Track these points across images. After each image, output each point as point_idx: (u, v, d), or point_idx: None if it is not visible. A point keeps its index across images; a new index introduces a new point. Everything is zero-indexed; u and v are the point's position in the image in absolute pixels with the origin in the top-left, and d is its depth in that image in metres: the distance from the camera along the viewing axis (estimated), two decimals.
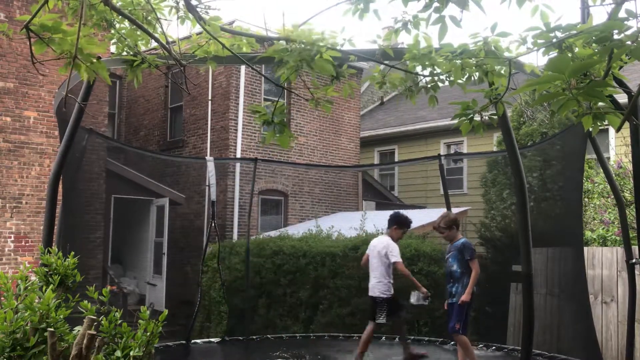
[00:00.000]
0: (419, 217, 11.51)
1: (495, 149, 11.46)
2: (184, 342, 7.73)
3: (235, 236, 12.04)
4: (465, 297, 5.80)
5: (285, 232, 10.12)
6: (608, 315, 7.30)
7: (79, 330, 2.39)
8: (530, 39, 2.40)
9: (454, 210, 9.96)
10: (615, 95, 3.18)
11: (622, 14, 2.01)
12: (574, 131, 6.62)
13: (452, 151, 14.98)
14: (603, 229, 8.67)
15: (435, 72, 2.96)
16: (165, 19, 3.02)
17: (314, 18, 3.05)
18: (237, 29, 3.44)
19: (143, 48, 3.22)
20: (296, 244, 9.03)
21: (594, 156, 6.16)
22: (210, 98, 12.87)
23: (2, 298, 2.59)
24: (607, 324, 7.28)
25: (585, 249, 7.39)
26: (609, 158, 10.66)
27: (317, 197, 13.79)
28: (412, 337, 8.11)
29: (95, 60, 2.46)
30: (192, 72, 12.87)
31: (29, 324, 2.47)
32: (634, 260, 5.52)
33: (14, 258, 9.56)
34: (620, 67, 2.88)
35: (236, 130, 12.49)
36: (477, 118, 2.70)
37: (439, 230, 6.24)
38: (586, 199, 9.25)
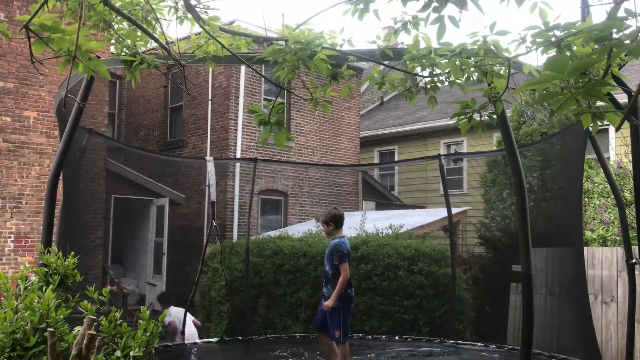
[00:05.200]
0: (419, 217, 11.53)
1: (495, 149, 11.46)
2: (184, 343, 7.73)
3: (235, 236, 12.04)
4: (329, 302, 5.49)
5: (285, 232, 10.12)
6: (608, 315, 7.30)
7: (79, 330, 2.39)
8: (529, 38, 2.41)
9: (454, 210, 9.98)
10: (615, 96, 3.19)
11: (621, 13, 2.01)
12: (574, 131, 6.62)
13: (452, 151, 14.98)
14: (603, 229, 8.67)
15: (434, 72, 2.96)
16: (165, 19, 3.02)
17: (314, 18, 3.05)
18: (236, 29, 3.45)
19: (142, 48, 3.22)
20: (296, 244, 9.03)
21: (594, 156, 6.15)
22: (210, 98, 12.88)
23: (2, 298, 2.60)
24: (607, 324, 7.28)
25: (585, 249, 7.39)
26: (609, 158, 10.66)
27: (317, 197, 13.79)
28: (412, 337, 8.13)
29: (93, 57, 2.47)
30: (192, 72, 12.88)
31: (29, 324, 2.47)
32: (634, 260, 5.52)
33: (14, 258, 9.56)
34: (621, 67, 2.88)
35: (236, 130, 12.49)
36: (476, 117, 2.71)
37: (323, 224, 5.87)
38: (586, 199, 9.25)
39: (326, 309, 5.54)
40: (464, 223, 12.71)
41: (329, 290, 5.64)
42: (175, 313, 7.90)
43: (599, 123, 2.16)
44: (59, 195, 5.06)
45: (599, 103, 2.11)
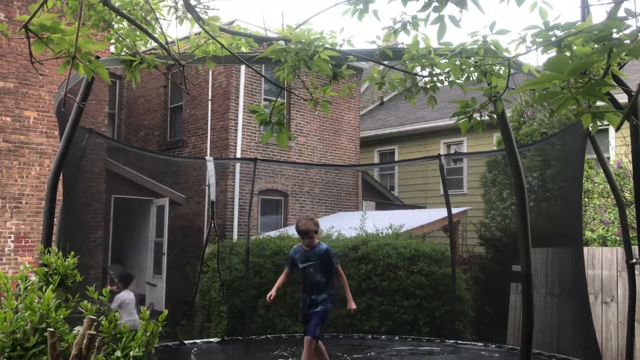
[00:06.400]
0: (419, 217, 11.53)
1: (495, 149, 11.46)
2: (179, 342, 7.73)
3: (235, 236, 12.04)
4: (353, 304, 5.46)
5: (285, 232, 10.12)
6: (608, 315, 7.30)
7: (79, 330, 2.39)
8: (529, 37, 2.41)
9: (454, 210, 9.98)
10: (615, 96, 3.19)
11: (621, 13, 2.01)
12: (574, 131, 6.62)
13: (452, 151, 14.98)
14: (603, 229, 8.67)
15: (434, 72, 2.96)
16: (164, 19, 3.02)
17: (313, 18, 3.05)
18: (236, 28, 3.44)
19: (142, 48, 3.22)
20: (296, 244, 9.03)
21: (594, 156, 6.15)
22: (210, 98, 12.88)
23: (2, 298, 2.60)
24: (607, 324, 7.28)
25: (585, 249, 7.39)
26: (609, 158, 10.66)
27: (317, 197, 13.79)
28: (412, 337, 8.13)
29: (93, 59, 2.47)
30: (192, 72, 12.88)
31: (29, 324, 2.47)
32: (634, 260, 5.52)
33: (14, 258, 9.56)
34: (621, 67, 2.88)
35: (236, 130, 12.49)
36: (476, 116, 2.70)
37: (310, 235, 5.42)
38: (586, 199, 9.25)
39: (353, 311, 5.55)
40: (464, 223, 12.71)
41: (322, 297, 5.40)
42: (122, 297, 7.79)
43: (599, 123, 2.16)
44: (59, 195, 5.06)
45: (599, 103, 2.11)
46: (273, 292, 5.72)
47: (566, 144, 7.60)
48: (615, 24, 1.96)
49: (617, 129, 1.88)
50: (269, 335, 8.31)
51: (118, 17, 2.94)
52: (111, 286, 10.39)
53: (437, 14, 2.57)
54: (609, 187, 7.30)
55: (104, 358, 2.36)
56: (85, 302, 2.58)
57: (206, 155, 12.10)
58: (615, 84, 2.59)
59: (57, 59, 2.59)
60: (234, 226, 12.29)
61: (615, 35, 1.97)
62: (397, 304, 8.39)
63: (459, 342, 7.95)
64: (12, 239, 9.61)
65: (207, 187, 9.87)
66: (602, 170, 6.22)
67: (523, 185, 4.01)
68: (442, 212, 10.43)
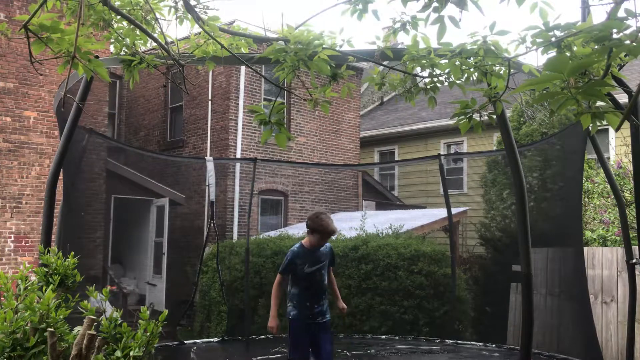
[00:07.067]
0: (419, 217, 11.53)
1: (495, 149, 11.45)
2: (178, 342, 7.73)
3: (235, 236, 12.05)
4: (343, 303, 5.06)
5: (285, 232, 10.12)
6: (608, 315, 7.30)
7: (79, 330, 2.39)
8: (529, 38, 2.41)
9: (454, 210, 9.97)
10: (615, 96, 3.19)
11: (621, 13, 2.01)
12: (574, 131, 6.62)
13: (452, 151, 14.98)
14: (603, 229, 8.66)
15: (434, 73, 2.96)
16: (164, 19, 3.02)
17: (313, 19, 3.06)
18: (236, 29, 3.44)
19: (142, 48, 3.22)
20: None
21: (594, 156, 6.16)
22: (210, 98, 12.88)
23: (2, 298, 2.60)
24: (607, 324, 7.28)
25: (585, 249, 7.39)
26: (609, 158, 10.66)
27: (317, 197, 13.79)
28: (412, 337, 8.13)
29: (93, 58, 2.47)
30: (192, 72, 12.88)
31: (29, 324, 2.47)
32: (634, 260, 5.51)
33: (14, 258, 9.56)
34: (621, 67, 2.88)
35: (236, 130, 12.50)
36: (476, 117, 2.70)
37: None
38: (586, 199, 9.25)
39: (344, 311, 5.14)
40: (464, 223, 12.71)
41: (325, 304, 4.86)
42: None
43: (599, 123, 2.16)
44: (59, 195, 5.06)
45: (599, 103, 2.11)
46: (275, 320, 4.79)
47: (566, 144, 7.60)
48: (615, 24, 1.96)
49: (617, 129, 1.88)
50: (269, 335, 8.30)
51: (118, 17, 2.94)
52: (111, 286, 10.39)
53: (437, 14, 2.57)
54: (609, 187, 7.29)
55: (104, 358, 2.36)
56: (85, 302, 2.58)
57: (206, 155, 12.10)
58: (615, 84, 2.59)
59: (56, 58, 2.59)
60: (234, 226, 12.29)
61: (615, 36, 1.97)
62: (397, 304, 8.38)
63: (459, 342, 7.95)
64: (12, 239, 9.61)
65: (207, 187, 9.88)
66: (602, 170, 6.22)
67: (523, 185, 4.01)
68: (442, 212, 10.42)
